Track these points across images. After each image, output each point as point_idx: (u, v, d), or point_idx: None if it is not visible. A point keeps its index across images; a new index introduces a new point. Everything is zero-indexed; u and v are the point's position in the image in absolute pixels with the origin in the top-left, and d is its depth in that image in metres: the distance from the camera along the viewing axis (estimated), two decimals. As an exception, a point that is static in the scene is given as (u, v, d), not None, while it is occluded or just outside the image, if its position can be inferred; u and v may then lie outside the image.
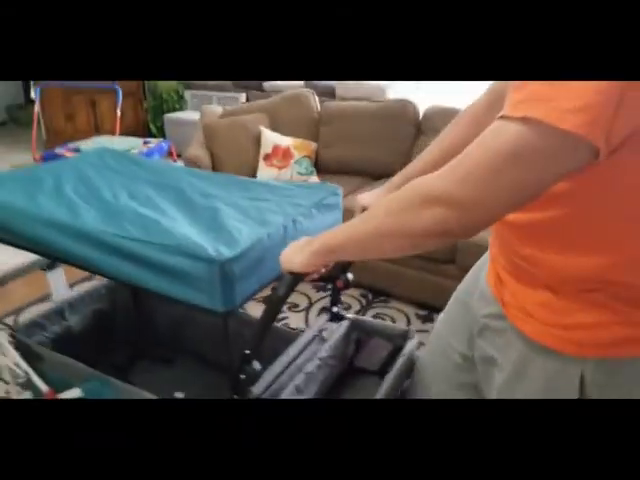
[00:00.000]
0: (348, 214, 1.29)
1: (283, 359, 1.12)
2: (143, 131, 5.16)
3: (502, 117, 0.60)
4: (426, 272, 2.31)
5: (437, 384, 1.04)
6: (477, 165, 0.61)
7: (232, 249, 0.94)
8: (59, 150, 4.24)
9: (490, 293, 0.85)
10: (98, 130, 5.00)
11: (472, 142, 0.63)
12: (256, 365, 0.92)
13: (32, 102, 4.86)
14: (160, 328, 1.74)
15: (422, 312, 2.39)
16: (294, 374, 1.09)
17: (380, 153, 2.79)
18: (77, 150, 4.23)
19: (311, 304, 2.44)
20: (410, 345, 1.20)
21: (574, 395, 0.72)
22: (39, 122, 4.78)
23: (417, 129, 2.78)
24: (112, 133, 4.88)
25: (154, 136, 5.04)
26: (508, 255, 0.79)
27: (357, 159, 2.84)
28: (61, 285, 1.52)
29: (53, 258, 1.17)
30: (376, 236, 0.73)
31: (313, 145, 2.87)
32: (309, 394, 1.14)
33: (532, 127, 0.56)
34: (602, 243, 0.67)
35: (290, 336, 1.31)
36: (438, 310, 2.37)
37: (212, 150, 2.79)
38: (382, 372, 1.30)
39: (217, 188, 1.29)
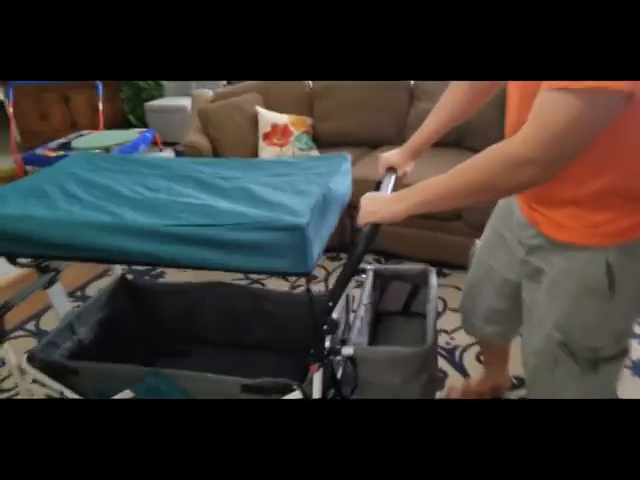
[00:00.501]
0: (358, 184, 1.41)
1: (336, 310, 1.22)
2: (122, 123, 5.08)
3: (563, 88, 0.73)
4: (435, 231, 2.42)
5: (484, 297, 1.30)
6: (560, 131, 0.76)
7: (301, 217, 0.99)
8: (40, 151, 4.17)
9: (526, 219, 1.06)
10: (75, 126, 4.91)
11: (534, 110, 0.79)
12: (335, 315, 1.02)
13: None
14: (170, 323, 1.73)
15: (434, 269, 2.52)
16: (351, 320, 1.22)
17: (376, 122, 2.86)
18: (66, 147, 4.16)
19: (329, 274, 2.54)
20: (433, 278, 1.37)
21: (602, 277, 0.92)
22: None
23: (410, 95, 2.85)
24: (92, 128, 4.80)
25: (134, 127, 4.97)
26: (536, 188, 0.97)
27: (354, 130, 2.91)
28: (63, 300, 1.51)
29: (103, 261, 1.13)
30: (469, 193, 0.88)
31: (309, 120, 2.92)
32: (364, 335, 1.28)
33: (599, 93, 0.71)
34: (614, 163, 0.85)
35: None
36: (449, 265, 2.52)
37: (210, 134, 2.81)
38: (405, 311, 1.48)
39: (231, 171, 1.30)
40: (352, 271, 1.02)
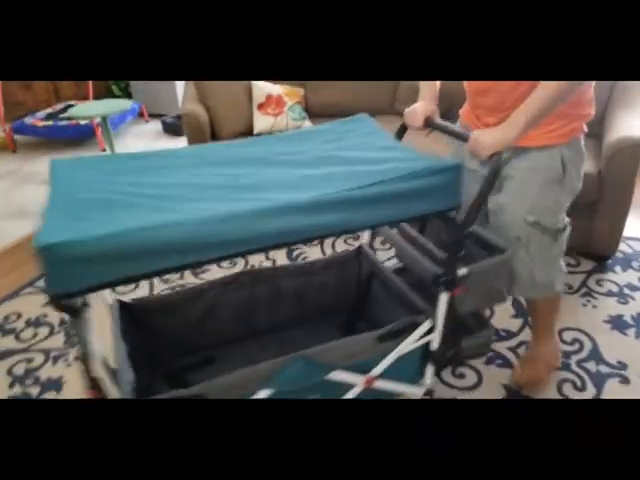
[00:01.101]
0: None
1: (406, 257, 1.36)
2: (105, 94, 5.06)
3: None
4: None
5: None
6: None
7: (440, 160, 1.09)
8: (29, 120, 4.18)
9: None
10: (59, 97, 4.88)
11: None
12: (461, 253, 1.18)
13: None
14: (184, 335, 1.55)
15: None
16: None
17: (366, 92, 3.00)
18: (54, 117, 4.15)
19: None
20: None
21: (559, 168, 1.30)
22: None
23: (398, 68, 2.99)
24: (76, 99, 4.79)
25: (117, 98, 4.97)
26: (498, 113, 1.30)
27: (345, 101, 3.04)
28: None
29: (257, 250, 1.00)
30: (564, 92, 1.13)
31: (302, 91, 3.04)
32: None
33: None
34: None
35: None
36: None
37: (207, 104, 2.90)
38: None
39: (281, 147, 1.25)
40: (484, 199, 1.14)
